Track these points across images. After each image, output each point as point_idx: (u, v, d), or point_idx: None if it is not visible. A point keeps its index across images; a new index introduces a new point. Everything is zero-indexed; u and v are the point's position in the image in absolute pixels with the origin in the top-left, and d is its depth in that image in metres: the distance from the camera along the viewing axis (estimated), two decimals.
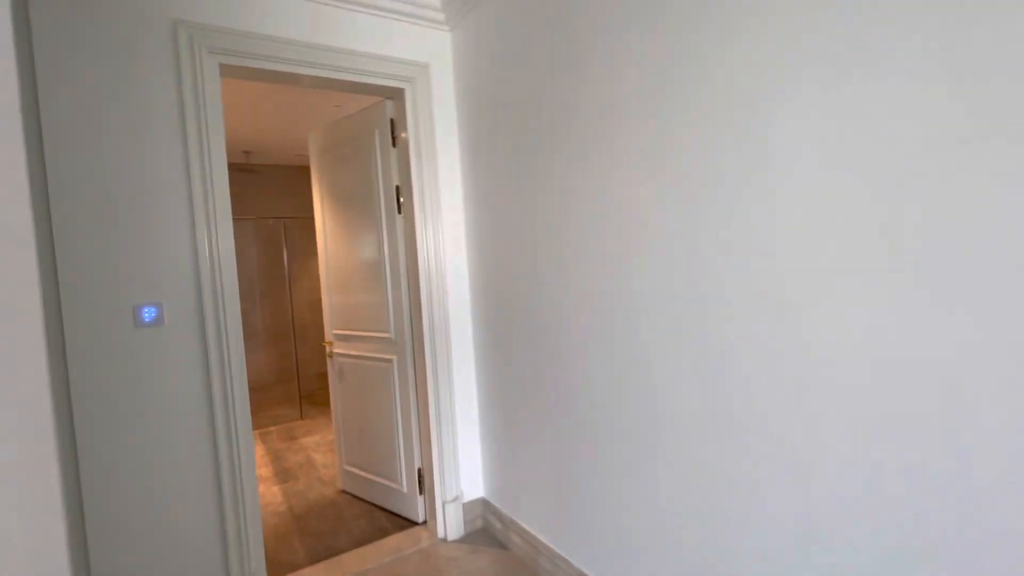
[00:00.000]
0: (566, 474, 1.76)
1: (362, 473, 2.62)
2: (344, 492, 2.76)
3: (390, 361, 2.36)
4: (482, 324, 2.15)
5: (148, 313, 1.60)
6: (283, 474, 3.08)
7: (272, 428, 4.04)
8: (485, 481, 2.29)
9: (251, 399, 4.95)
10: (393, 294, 2.32)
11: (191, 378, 1.68)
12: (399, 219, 2.26)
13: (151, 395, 1.62)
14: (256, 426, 4.12)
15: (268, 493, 2.82)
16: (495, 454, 2.18)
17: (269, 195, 5.01)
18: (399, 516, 2.43)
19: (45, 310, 1.05)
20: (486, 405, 2.20)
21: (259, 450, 3.54)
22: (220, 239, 1.74)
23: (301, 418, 4.25)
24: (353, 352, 2.57)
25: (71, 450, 1.49)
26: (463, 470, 2.26)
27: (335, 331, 2.67)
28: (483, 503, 2.29)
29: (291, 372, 4.64)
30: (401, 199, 2.24)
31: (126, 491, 1.58)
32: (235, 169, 4.76)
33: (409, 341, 2.27)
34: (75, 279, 1.51)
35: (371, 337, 2.45)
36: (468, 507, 2.26)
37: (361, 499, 2.65)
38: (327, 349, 2.72)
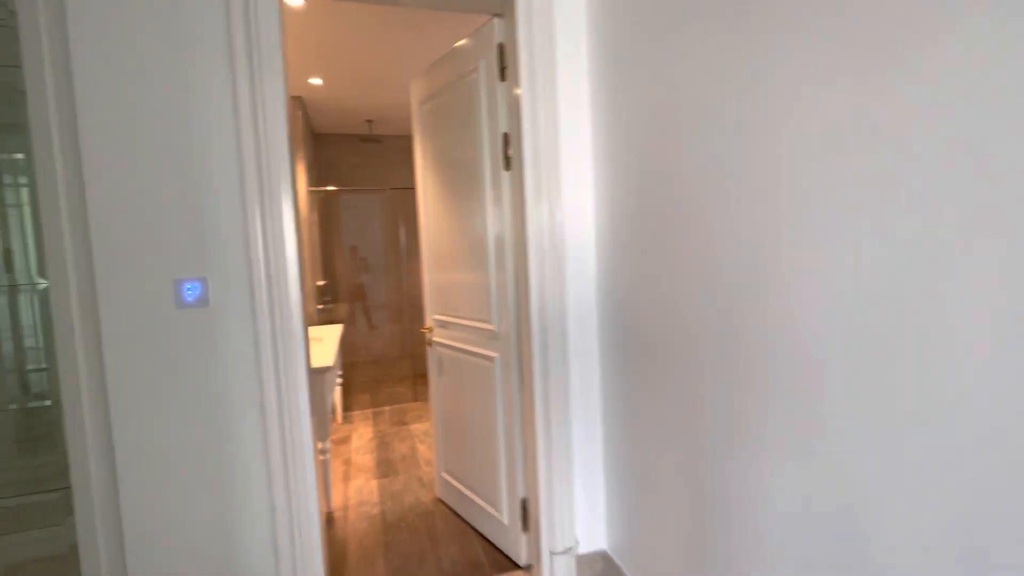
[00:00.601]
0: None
1: (459, 486, 2.21)
2: (441, 501, 2.39)
3: (491, 360, 1.87)
4: (617, 324, 1.53)
5: (191, 290, 1.30)
6: (384, 466, 2.84)
7: (386, 408, 3.91)
8: (609, 531, 1.71)
9: (372, 373, 5.01)
10: (497, 276, 1.81)
11: (236, 372, 1.35)
12: (506, 178, 1.72)
13: (191, 389, 1.32)
14: (371, 404, 4.03)
15: (366, 488, 2.57)
16: (626, 498, 1.58)
17: (392, 166, 4.87)
18: (497, 549, 1.97)
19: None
20: (616, 432, 1.59)
21: (367, 433, 3.39)
22: (274, 209, 1.36)
23: (415, 399, 4.06)
24: (453, 343, 2.13)
25: (106, 448, 1.23)
26: (579, 511, 1.70)
27: (435, 316, 2.27)
28: (604, 559, 1.71)
29: (409, 350, 4.52)
30: (510, 151, 1.70)
31: (163, 494, 1.31)
32: (359, 140, 4.67)
33: (515, 336, 1.75)
34: (109, 244, 1.24)
35: (472, 327, 1.98)
36: (584, 561, 1.70)
37: (457, 515, 2.25)
38: (427, 336, 2.34)
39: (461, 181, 1.97)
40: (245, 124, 1.32)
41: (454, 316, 2.10)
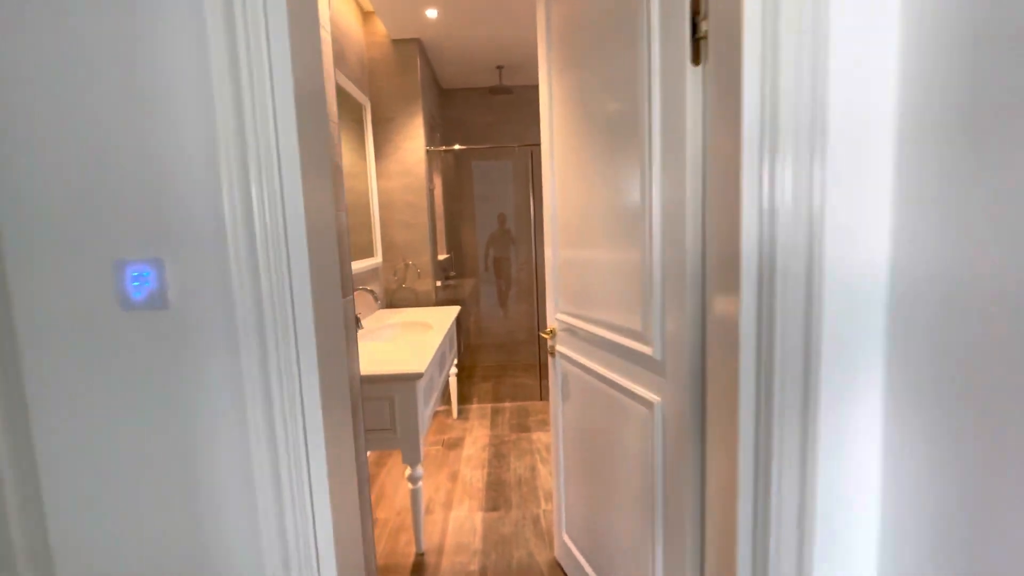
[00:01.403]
0: None
1: (587, 568, 1.52)
2: (559, 567, 1.74)
3: (649, 406, 1.10)
4: (949, 350, 0.65)
5: (141, 280, 0.77)
6: (496, 492, 2.27)
7: (507, 404, 3.37)
8: None
9: (496, 358, 4.54)
10: (664, 270, 1.02)
11: (212, 428, 0.81)
12: (693, 80, 0.90)
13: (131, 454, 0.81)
14: (492, 397, 3.53)
15: (468, 524, 2.03)
16: None
17: (526, 122, 4.20)
18: None
19: None
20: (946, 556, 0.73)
21: (483, 436, 2.87)
22: (269, 175, 0.77)
23: (540, 398, 3.46)
24: (584, 360, 1.41)
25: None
26: None
27: (560, 315, 1.56)
28: None
29: (537, 334, 3.92)
30: (702, 26, 0.86)
31: None
32: (488, 93, 4.08)
33: (692, 367, 0.96)
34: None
35: (615, 343, 1.22)
36: None
37: None
38: (549, 343, 1.65)
39: (607, 120, 1.19)
40: (218, 60, 0.73)
41: (587, 321, 1.36)
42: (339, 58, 2.56)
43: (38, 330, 0.78)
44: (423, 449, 1.80)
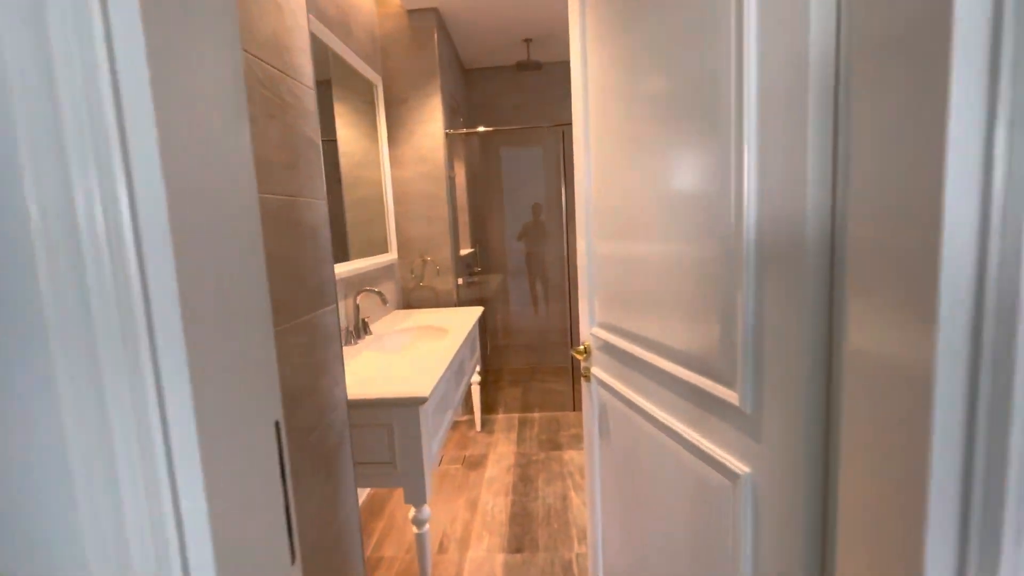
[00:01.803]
0: None
1: None
2: None
3: (734, 477, 0.74)
4: None
5: None
6: (521, 524, 1.95)
7: (536, 415, 3.04)
8: None
9: (525, 359, 4.18)
10: (760, 271, 0.66)
11: None
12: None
13: None
14: (520, 405, 3.21)
15: (485, 568, 1.71)
16: None
17: (557, 101, 3.83)
18: None
19: None
20: None
21: (509, 453, 2.55)
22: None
23: (573, 408, 3.11)
24: (631, 394, 1.05)
25: None
26: None
27: (597, 329, 1.21)
28: None
29: (569, 336, 3.57)
30: None
31: None
32: (516, 70, 3.72)
33: (811, 436, 0.60)
34: None
35: (679, 380, 0.86)
36: None
37: None
38: (582, 364, 1.30)
39: (668, 86, 0.83)
40: None
41: (635, 340, 1.01)
42: (345, 31, 2.27)
43: None
44: (430, 486, 1.50)
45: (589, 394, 1.27)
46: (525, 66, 3.34)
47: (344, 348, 1.95)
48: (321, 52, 2.14)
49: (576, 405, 3.12)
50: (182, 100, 0.48)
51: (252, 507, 0.56)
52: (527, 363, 4.11)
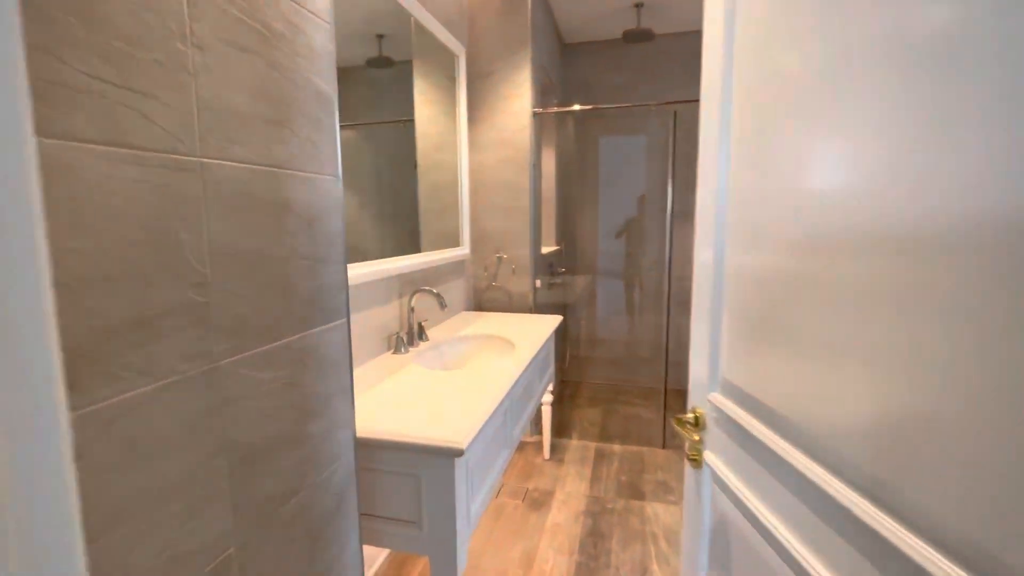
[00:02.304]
0: None
1: None
2: None
3: None
4: None
5: None
6: None
7: (616, 447, 2.58)
8: None
9: (607, 374, 3.63)
10: None
11: None
12: None
13: None
14: (598, 432, 2.77)
15: None
16: None
17: (672, 81, 3.28)
18: None
19: None
20: None
21: (579, 496, 2.14)
22: None
23: (663, 443, 2.61)
24: (776, 524, 0.60)
25: None
26: None
27: (720, 395, 0.76)
28: None
29: (664, 352, 3.04)
30: None
31: None
32: (622, 43, 3.23)
33: None
34: None
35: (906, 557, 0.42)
36: None
37: None
38: (688, 440, 0.86)
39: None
40: None
41: (798, 441, 0.56)
42: None
43: None
44: (463, 558, 1.14)
45: (697, 490, 0.83)
46: (634, 36, 2.85)
47: (391, 355, 1.66)
48: (403, 25, 1.88)
49: (667, 442, 2.62)
50: None
51: None
52: (610, 379, 3.63)
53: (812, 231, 0.54)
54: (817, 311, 0.53)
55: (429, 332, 1.96)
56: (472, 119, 2.47)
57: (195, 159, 0.59)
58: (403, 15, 1.86)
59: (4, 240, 0.28)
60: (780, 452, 0.58)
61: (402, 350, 1.71)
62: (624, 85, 3.36)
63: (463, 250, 2.42)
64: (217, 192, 0.62)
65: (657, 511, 2.01)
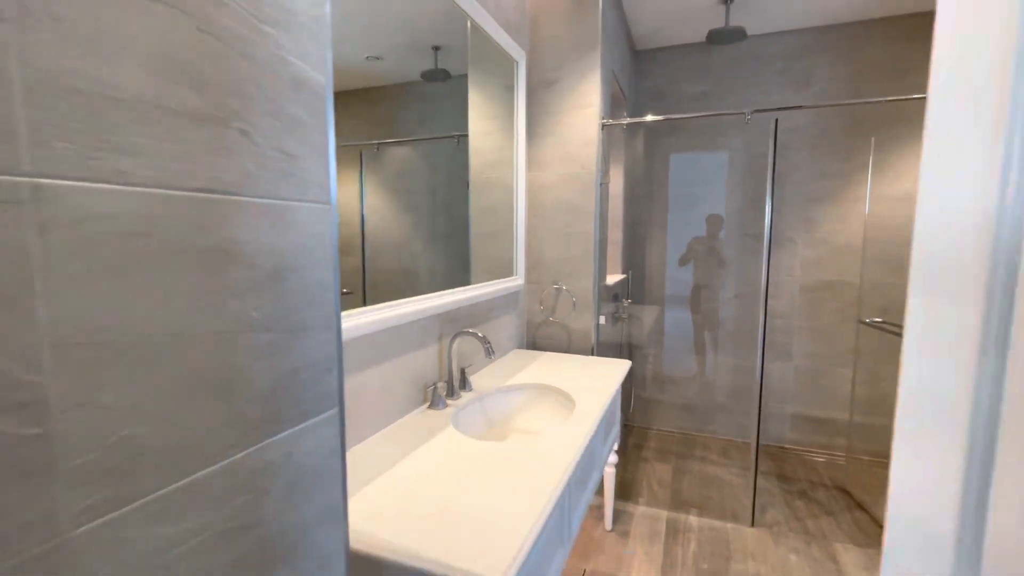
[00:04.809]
0: None
1: None
2: None
3: None
4: None
5: None
6: None
7: (692, 520, 2.15)
8: None
9: (682, 423, 3.06)
10: None
11: None
12: None
13: None
14: (670, 499, 2.34)
15: None
16: None
17: (764, 85, 2.86)
18: None
19: None
20: None
21: None
22: None
23: (752, 523, 2.14)
24: None
25: None
26: None
27: None
28: None
29: (742, 403, 2.54)
30: None
31: None
32: (706, 45, 2.86)
33: None
34: None
35: None
36: None
37: None
38: None
39: None
40: None
41: None
42: None
43: None
44: None
45: None
46: (721, 36, 2.48)
47: (426, 411, 1.38)
48: (460, 36, 1.67)
49: (757, 518, 2.15)
50: None
51: None
52: (682, 427, 3.18)
53: None
54: None
55: (473, 379, 1.67)
56: (531, 132, 2.19)
57: (22, 179, 0.33)
58: (460, 24, 1.66)
59: None
60: None
61: (439, 405, 1.42)
62: (707, 93, 2.97)
63: (517, 280, 2.13)
64: (73, 237, 0.35)
65: None
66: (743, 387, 3.00)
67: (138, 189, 0.39)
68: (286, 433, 0.55)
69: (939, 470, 0.48)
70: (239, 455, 0.49)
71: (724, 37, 2.45)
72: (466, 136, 1.83)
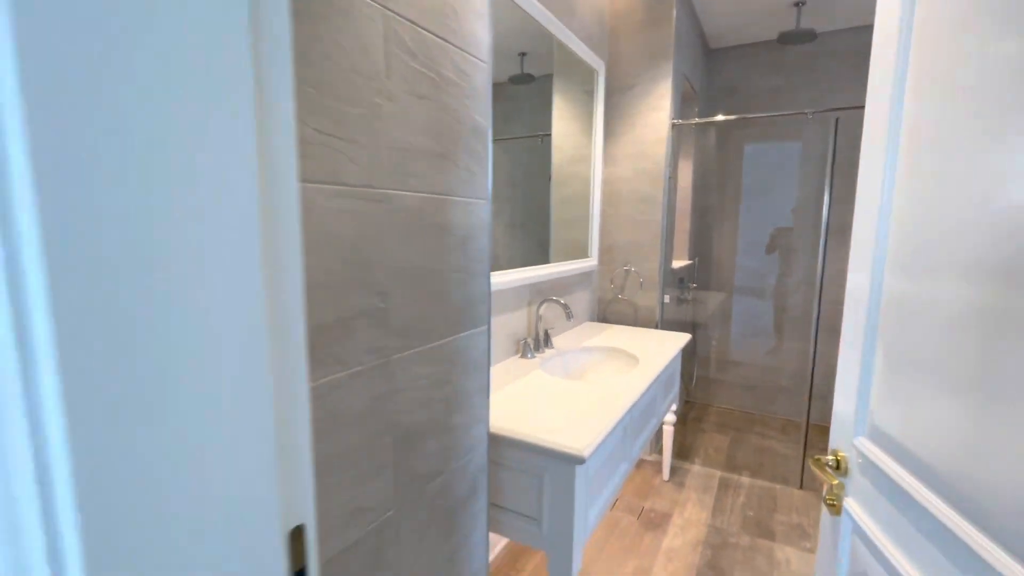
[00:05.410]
0: None
1: None
2: None
3: None
4: None
5: None
6: None
7: (744, 480, 2.40)
8: None
9: (740, 402, 3.29)
10: None
11: None
12: None
13: None
14: (725, 462, 2.60)
15: None
16: None
17: (834, 82, 2.96)
18: None
19: None
20: None
21: (697, 525, 2.04)
22: None
23: (800, 486, 2.36)
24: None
25: None
26: None
27: (867, 441, 0.71)
28: None
29: (808, 384, 2.73)
30: None
31: None
32: (776, 45, 3.00)
33: None
34: None
35: None
36: None
37: None
38: (824, 483, 0.80)
39: None
40: None
41: (963, 510, 0.51)
42: (568, 11, 2.07)
43: None
44: (579, 559, 1.19)
45: (834, 539, 0.78)
46: (792, 37, 2.63)
47: (518, 360, 1.77)
48: (544, 43, 1.99)
49: (805, 483, 2.37)
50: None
51: None
52: (742, 406, 3.37)
53: (1017, 257, 0.48)
54: (1014, 355, 0.48)
55: (554, 340, 2.04)
56: (608, 132, 2.50)
57: (382, 191, 0.73)
58: (546, 34, 1.97)
59: (284, 255, 0.41)
60: (941, 518, 0.53)
61: (528, 355, 1.81)
62: (779, 88, 3.11)
63: (591, 262, 2.46)
64: (396, 218, 0.76)
65: (789, 556, 1.84)
66: (805, 371, 3.14)
67: (416, 194, 0.79)
68: (466, 333, 0.95)
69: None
70: (448, 339, 0.90)
71: (794, 38, 2.60)
72: (549, 135, 2.17)
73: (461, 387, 0.95)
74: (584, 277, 2.43)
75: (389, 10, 0.71)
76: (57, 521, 0.29)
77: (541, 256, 2.11)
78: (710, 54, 3.28)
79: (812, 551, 1.87)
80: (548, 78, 2.09)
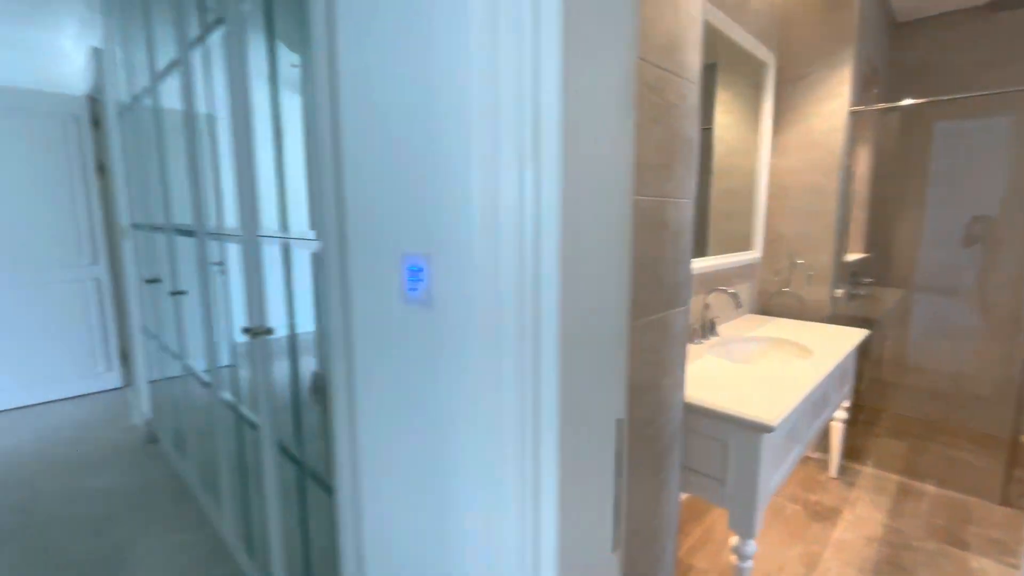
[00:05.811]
0: None
1: None
2: None
3: None
4: None
5: (415, 276, 0.72)
6: None
7: (930, 488, 2.24)
8: None
9: (923, 409, 3.01)
10: None
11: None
12: None
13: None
14: (903, 466, 2.44)
15: None
16: None
17: None
18: None
19: None
20: None
21: (872, 520, 1.99)
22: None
23: (1001, 502, 2.14)
24: None
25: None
26: None
27: None
28: None
29: (1008, 388, 2.41)
30: None
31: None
32: (983, 11, 2.65)
33: None
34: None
35: None
36: None
37: None
38: None
39: None
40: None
41: None
42: (739, 7, 2.12)
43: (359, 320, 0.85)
44: (760, 518, 1.33)
45: None
46: (1004, 3, 2.34)
47: (687, 346, 1.91)
48: (709, 36, 2.06)
49: (1008, 499, 2.14)
50: (584, 102, 0.53)
51: (588, 497, 0.61)
52: (925, 414, 3.07)
53: None
54: None
55: (719, 329, 2.14)
56: (777, 123, 2.48)
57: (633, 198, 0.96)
58: (710, 30, 2.02)
59: (620, 247, 0.65)
60: None
61: (696, 341, 1.94)
62: (982, 63, 2.75)
63: (754, 254, 2.48)
64: (637, 219, 0.98)
65: (985, 567, 1.73)
66: (993, 378, 2.76)
67: (647, 198, 1.01)
68: (672, 311, 1.15)
69: None
70: (660, 315, 1.10)
71: (1012, 2, 2.31)
72: (710, 129, 2.24)
73: (668, 355, 1.15)
74: (746, 269, 2.46)
75: (640, 58, 0.93)
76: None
77: (699, 248, 2.21)
78: (897, 28, 3.00)
79: (1017, 568, 1.73)
80: (710, 68, 2.13)
